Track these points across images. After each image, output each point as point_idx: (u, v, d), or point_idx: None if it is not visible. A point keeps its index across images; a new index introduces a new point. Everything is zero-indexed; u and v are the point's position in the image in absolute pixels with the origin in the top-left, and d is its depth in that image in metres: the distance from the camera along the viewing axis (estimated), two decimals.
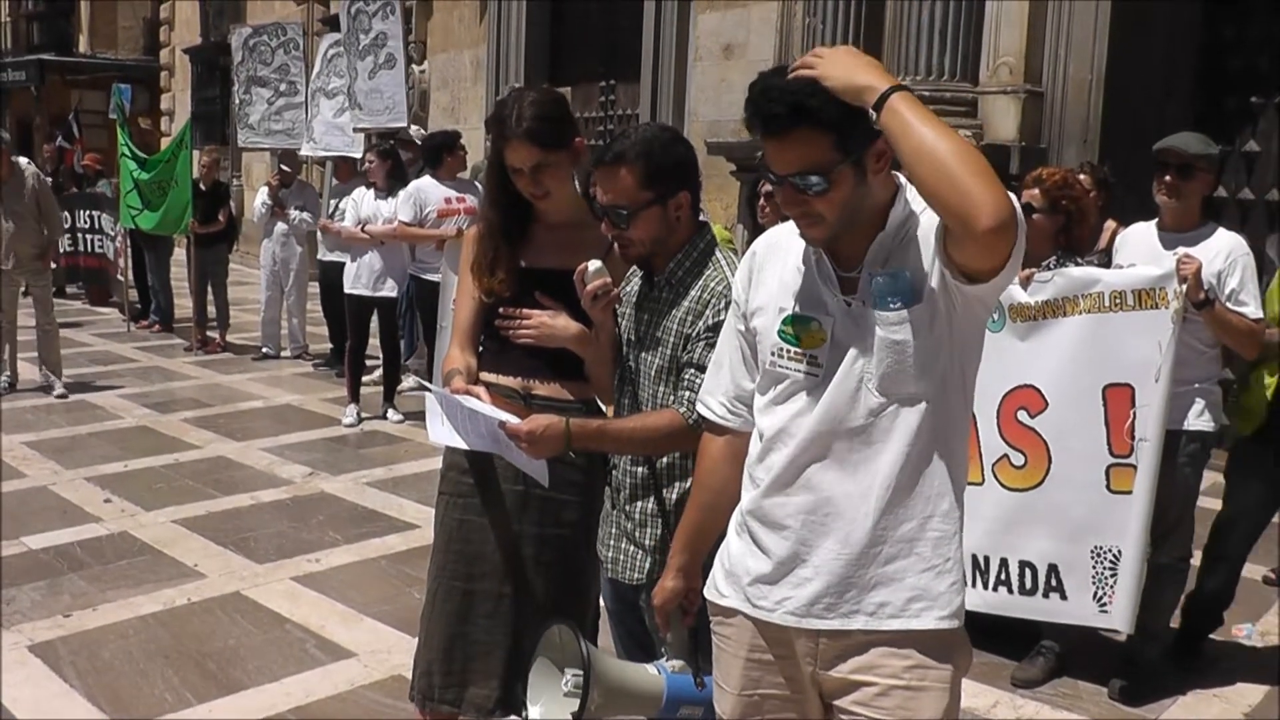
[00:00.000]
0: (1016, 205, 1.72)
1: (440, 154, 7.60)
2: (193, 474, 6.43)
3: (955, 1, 7.74)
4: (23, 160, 8.65)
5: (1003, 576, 3.92)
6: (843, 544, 1.90)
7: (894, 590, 1.90)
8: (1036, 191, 4.06)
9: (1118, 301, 3.78)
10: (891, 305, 1.84)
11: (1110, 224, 5.49)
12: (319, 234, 9.12)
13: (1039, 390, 3.86)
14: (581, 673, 2.10)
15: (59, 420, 7.67)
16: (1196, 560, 4.29)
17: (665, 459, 2.44)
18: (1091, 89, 7.55)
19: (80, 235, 12.27)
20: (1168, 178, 3.94)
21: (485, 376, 2.71)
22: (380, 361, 8.22)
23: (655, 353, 2.43)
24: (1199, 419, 3.93)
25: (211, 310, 10.53)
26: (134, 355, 10.27)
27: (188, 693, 3.84)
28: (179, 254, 11.48)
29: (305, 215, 9.88)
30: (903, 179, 1.91)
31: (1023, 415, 3.90)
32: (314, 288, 9.93)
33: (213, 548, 5.24)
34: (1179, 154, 3.95)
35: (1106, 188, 5.82)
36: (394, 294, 7.84)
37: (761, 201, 4.93)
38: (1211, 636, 4.49)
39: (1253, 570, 5.29)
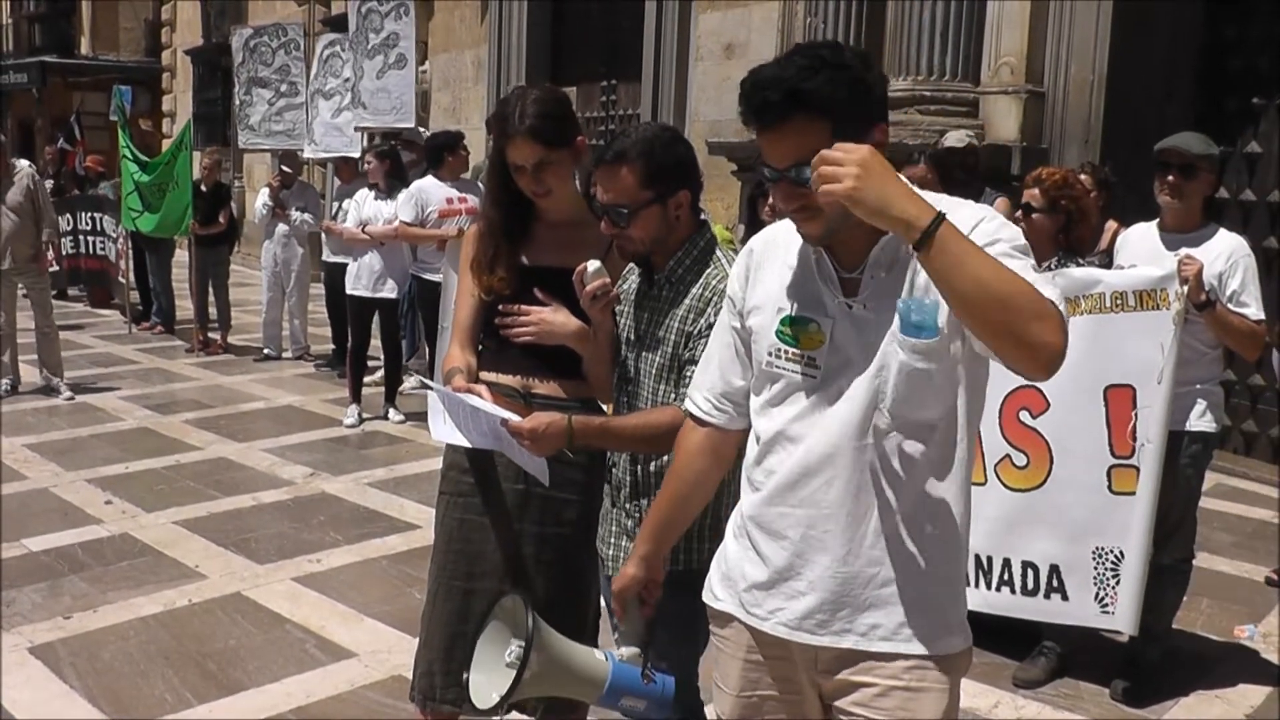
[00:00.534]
0: (1061, 311, 1.67)
1: (442, 154, 7.61)
2: (194, 475, 6.43)
3: (956, 2, 7.74)
4: (22, 162, 8.67)
5: (1005, 577, 3.92)
6: (840, 562, 1.88)
7: (887, 613, 1.87)
8: (1036, 191, 4.06)
9: (1119, 302, 3.78)
10: (922, 335, 1.74)
11: (1111, 224, 5.49)
12: (323, 235, 9.12)
13: (1040, 391, 3.85)
14: (524, 644, 2.08)
15: (60, 422, 7.67)
16: (1199, 561, 4.29)
17: (665, 457, 2.43)
18: (1093, 89, 7.55)
19: (82, 237, 12.27)
20: (1170, 178, 3.94)
21: (485, 375, 2.71)
22: (382, 362, 8.23)
23: (656, 351, 2.43)
24: (1201, 420, 3.93)
25: (213, 312, 10.54)
26: (135, 357, 10.27)
27: (188, 693, 3.83)
28: (180, 255, 11.48)
29: (306, 216, 9.89)
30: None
31: (1024, 416, 3.89)
32: (316, 289, 9.94)
33: (214, 549, 5.23)
34: (1181, 154, 3.94)
35: (1107, 188, 5.83)
36: (394, 294, 7.85)
37: (769, 201, 4.92)
38: (1214, 638, 4.48)
39: (1254, 571, 5.30)
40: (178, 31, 21.61)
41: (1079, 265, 3.98)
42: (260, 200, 10.11)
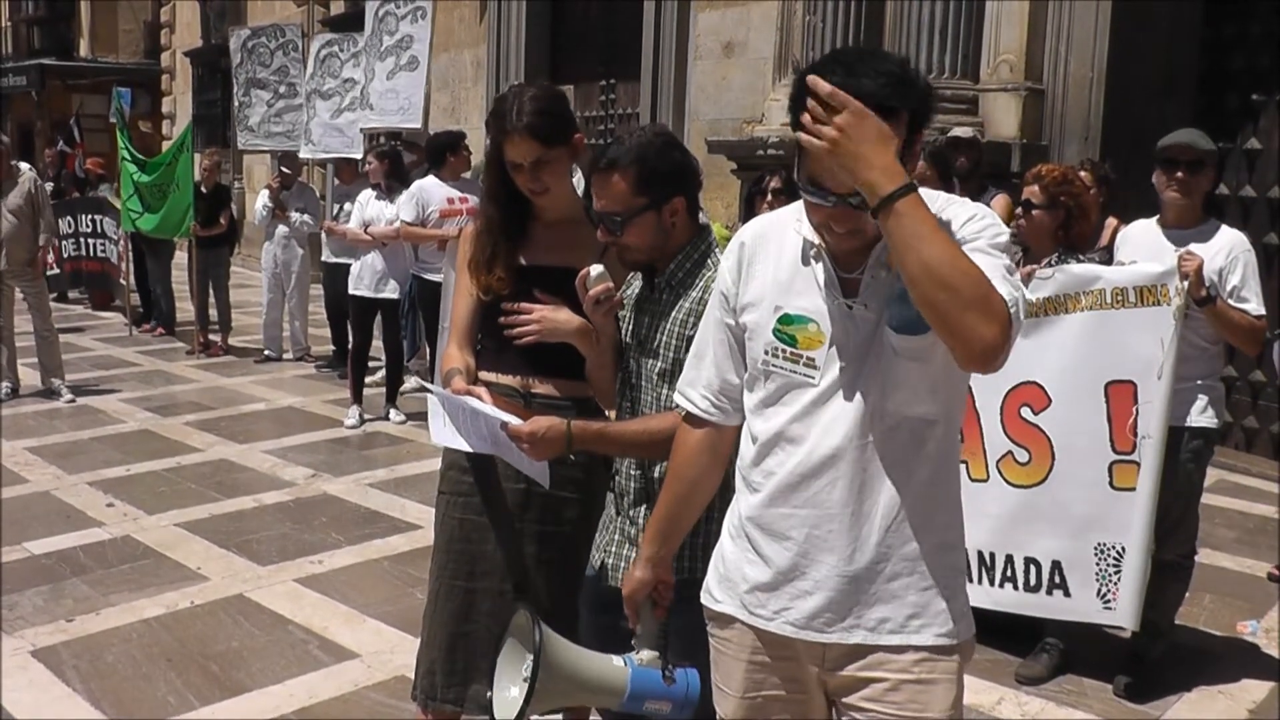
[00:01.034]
0: (1011, 314, 1.68)
1: (443, 154, 7.61)
2: (195, 477, 6.43)
3: None
4: (23, 165, 8.67)
5: (1008, 573, 3.92)
6: (846, 561, 1.88)
7: (895, 607, 1.88)
8: (1036, 188, 4.06)
9: (1120, 298, 3.78)
10: (916, 331, 1.76)
11: (1111, 221, 5.48)
12: (323, 236, 9.13)
13: (1042, 387, 3.86)
14: (534, 658, 2.09)
15: (61, 425, 7.67)
16: (1201, 557, 4.29)
17: (667, 462, 2.42)
18: (1092, 86, 7.55)
19: (83, 240, 12.26)
20: (1179, 174, 3.93)
21: (484, 375, 2.71)
22: (383, 363, 8.24)
23: (657, 355, 2.42)
24: (1202, 415, 3.93)
25: (213, 313, 10.54)
26: (136, 359, 10.27)
27: (191, 695, 3.84)
28: (180, 257, 11.49)
29: (306, 217, 9.89)
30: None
31: (1026, 412, 3.90)
32: (316, 290, 9.94)
33: (215, 550, 5.24)
34: (1192, 150, 3.94)
35: (1107, 184, 5.83)
36: (397, 295, 7.86)
37: (767, 199, 4.92)
38: (1216, 633, 4.48)
39: (1257, 567, 5.30)
40: (177, 33, 21.60)
41: (1079, 262, 3.98)
42: (260, 202, 10.11)
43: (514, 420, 2.39)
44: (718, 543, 2.10)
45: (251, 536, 5.44)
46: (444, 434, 2.63)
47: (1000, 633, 4.01)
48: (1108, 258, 4.29)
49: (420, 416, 7.60)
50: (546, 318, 2.58)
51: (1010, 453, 3.93)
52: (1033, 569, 3.89)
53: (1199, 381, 3.92)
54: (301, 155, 10.13)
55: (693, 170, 2.47)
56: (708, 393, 2.08)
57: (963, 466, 3.81)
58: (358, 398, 7.84)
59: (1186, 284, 3.67)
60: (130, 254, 11.47)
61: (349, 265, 8.18)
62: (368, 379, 8.16)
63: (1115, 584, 3.75)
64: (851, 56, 1.81)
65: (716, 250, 2.44)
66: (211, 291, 10.46)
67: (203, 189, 10.28)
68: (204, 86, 20.42)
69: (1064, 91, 7.66)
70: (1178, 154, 3.95)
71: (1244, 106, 7.35)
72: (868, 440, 1.85)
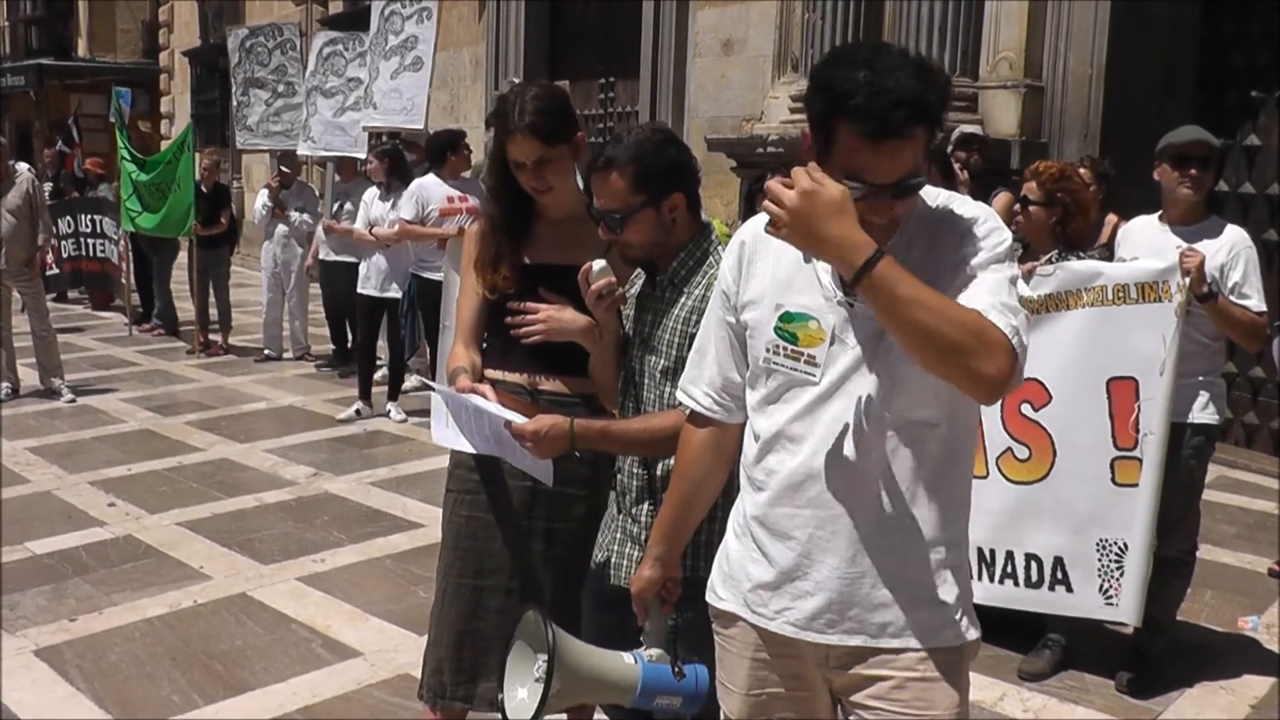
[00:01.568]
0: (1013, 344, 1.70)
1: (444, 153, 7.62)
2: (196, 476, 6.44)
3: None
4: (21, 165, 8.67)
5: (1008, 569, 3.92)
6: (848, 562, 1.87)
7: (897, 610, 1.87)
8: (1034, 184, 4.07)
9: (1121, 295, 3.78)
10: None
11: (1112, 218, 5.49)
12: (321, 234, 9.14)
13: (1043, 384, 3.86)
14: (547, 659, 2.09)
15: (62, 425, 7.67)
16: (1201, 553, 4.29)
17: (671, 460, 2.42)
18: (1092, 83, 7.55)
19: (83, 240, 12.25)
20: (1192, 171, 3.93)
21: (490, 373, 2.72)
22: (384, 361, 8.25)
23: (659, 352, 2.42)
24: (1203, 412, 3.93)
25: (213, 313, 10.54)
26: (136, 359, 10.27)
27: (195, 694, 3.84)
28: (180, 257, 11.47)
29: (305, 216, 9.90)
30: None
31: (1026, 409, 3.90)
32: (316, 289, 9.94)
33: (217, 549, 5.24)
34: (1205, 146, 3.95)
35: (1107, 181, 5.83)
36: (398, 294, 7.89)
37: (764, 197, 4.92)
38: (1217, 629, 4.49)
39: (1257, 563, 5.31)
40: (175, 33, 21.59)
41: (1080, 259, 3.99)
42: (259, 201, 10.12)
43: (517, 418, 2.40)
44: (722, 541, 2.10)
45: (253, 535, 5.44)
46: (446, 435, 2.65)
47: (1002, 629, 4.01)
48: (1108, 254, 4.30)
49: (420, 415, 7.61)
50: (552, 317, 2.58)
51: (1010, 449, 3.94)
52: (1034, 565, 3.90)
53: (1200, 378, 3.93)
54: (300, 152, 10.13)
55: (691, 167, 2.47)
56: (710, 390, 2.07)
57: None
58: (366, 395, 7.88)
59: (1188, 280, 3.67)
60: (130, 254, 11.46)
61: (349, 263, 8.20)
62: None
63: (1117, 580, 3.76)
64: (868, 53, 1.78)
65: (719, 248, 2.44)
66: (212, 291, 10.47)
67: (203, 188, 10.27)
68: (202, 86, 20.41)
69: (1063, 89, 7.67)
70: (1191, 150, 3.95)
71: (1243, 103, 7.36)
72: (870, 441, 1.84)
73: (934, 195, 1.85)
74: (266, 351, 10.17)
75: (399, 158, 8.36)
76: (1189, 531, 4.07)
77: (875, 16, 8.22)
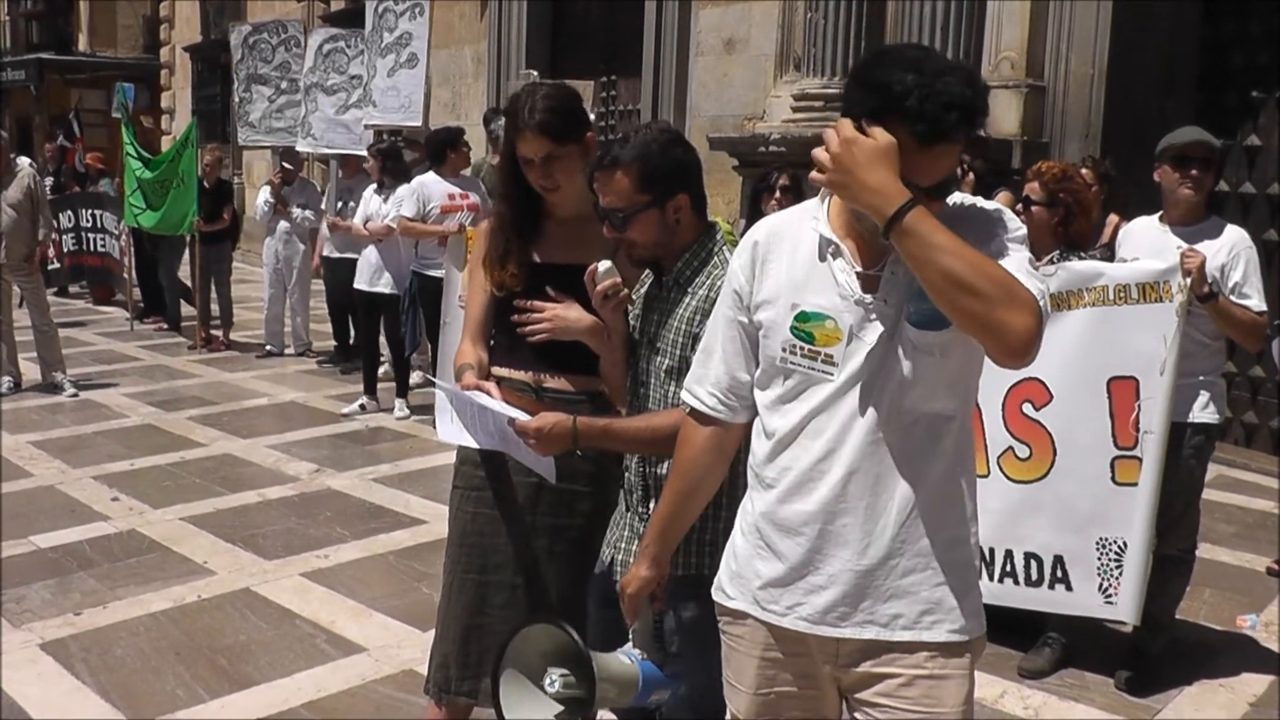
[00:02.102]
0: (1040, 304, 1.72)
1: (444, 150, 7.63)
2: (199, 471, 6.46)
3: None
4: (22, 160, 8.67)
5: (1008, 568, 3.94)
6: (859, 555, 1.89)
7: (908, 603, 1.89)
8: (1035, 185, 4.09)
9: (1122, 295, 3.80)
10: (937, 326, 1.79)
11: (1113, 218, 5.52)
12: (326, 231, 9.17)
13: (1043, 383, 3.88)
14: (567, 671, 2.11)
15: (64, 419, 7.69)
16: (1201, 552, 4.31)
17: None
18: (1093, 83, 7.57)
19: (84, 234, 12.28)
20: (1194, 171, 3.95)
21: (497, 370, 2.74)
22: (386, 358, 8.27)
23: (665, 352, 2.42)
24: (1203, 411, 3.95)
25: (215, 309, 10.55)
26: (138, 354, 10.29)
27: (200, 689, 3.86)
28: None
29: (307, 213, 9.91)
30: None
31: (1027, 408, 3.92)
32: (317, 285, 9.96)
33: (221, 544, 5.26)
34: (1207, 147, 3.97)
35: (1108, 181, 5.85)
36: (390, 289, 7.93)
37: (775, 196, 4.94)
38: (1216, 628, 4.51)
39: (1256, 562, 5.33)
40: (176, 28, 21.57)
41: (1081, 259, 4.01)
42: (262, 197, 10.13)
43: (521, 415, 2.42)
44: (729, 539, 2.11)
45: (257, 531, 5.46)
46: (451, 431, 2.66)
47: (1003, 627, 4.01)
48: (1109, 255, 4.32)
49: (423, 411, 7.62)
50: (558, 316, 2.60)
51: (1011, 448, 3.95)
52: (1033, 564, 3.92)
53: (1201, 377, 3.95)
54: (300, 149, 10.14)
55: (696, 167, 2.47)
56: (716, 390, 2.07)
57: None
58: (371, 390, 7.91)
59: (1189, 280, 3.69)
60: (133, 248, 11.47)
61: (352, 260, 8.24)
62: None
63: (1117, 579, 3.78)
64: (916, 54, 1.80)
65: (724, 248, 2.45)
66: (213, 286, 10.48)
67: (205, 184, 10.29)
68: (203, 82, 20.39)
69: (1065, 89, 7.68)
70: (1191, 151, 3.97)
71: (1244, 103, 7.38)
72: (885, 435, 1.86)
73: (952, 196, 1.88)
74: (268, 347, 10.19)
75: (393, 155, 8.38)
76: (1188, 530, 4.09)
77: (877, 16, 8.23)
